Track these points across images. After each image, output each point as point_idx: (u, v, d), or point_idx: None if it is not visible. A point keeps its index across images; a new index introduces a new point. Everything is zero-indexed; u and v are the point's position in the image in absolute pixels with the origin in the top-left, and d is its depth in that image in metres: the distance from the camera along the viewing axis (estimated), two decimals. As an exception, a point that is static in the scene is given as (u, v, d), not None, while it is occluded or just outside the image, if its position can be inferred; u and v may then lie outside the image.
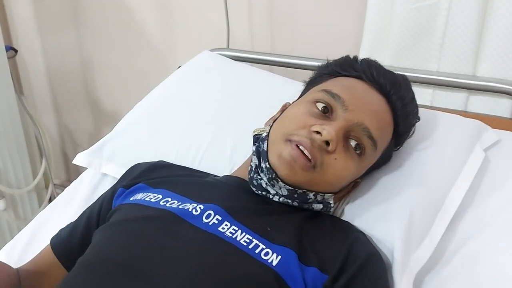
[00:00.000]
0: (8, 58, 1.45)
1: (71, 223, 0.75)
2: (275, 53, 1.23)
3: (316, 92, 0.69)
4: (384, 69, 0.70)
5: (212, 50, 1.19)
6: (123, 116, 1.00)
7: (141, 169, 0.77)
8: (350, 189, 0.71)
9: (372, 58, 1.00)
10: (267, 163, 0.63)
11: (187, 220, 0.61)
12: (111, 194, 0.74)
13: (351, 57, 0.73)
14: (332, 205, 0.68)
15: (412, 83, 0.98)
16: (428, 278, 0.66)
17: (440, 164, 0.73)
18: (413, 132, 0.73)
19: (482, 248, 0.67)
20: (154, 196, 0.66)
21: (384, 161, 0.72)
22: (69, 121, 1.80)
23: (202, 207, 0.62)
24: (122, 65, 1.61)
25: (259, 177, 0.65)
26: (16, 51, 1.50)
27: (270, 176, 0.63)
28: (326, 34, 1.19)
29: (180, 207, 0.63)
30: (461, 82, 0.95)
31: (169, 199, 0.65)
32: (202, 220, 0.60)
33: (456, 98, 0.98)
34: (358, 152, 0.64)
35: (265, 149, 0.64)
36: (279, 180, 0.62)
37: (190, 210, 0.62)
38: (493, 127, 0.86)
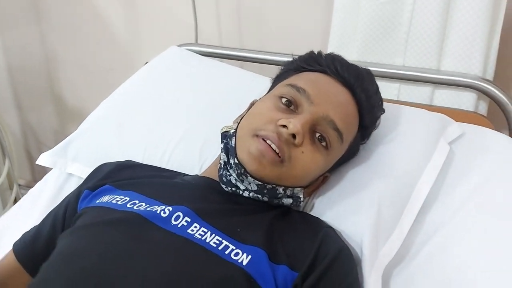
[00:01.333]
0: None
1: (35, 226, 0.72)
2: (244, 48, 1.23)
3: (282, 87, 0.69)
4: (348, 63, 0.71)
5: (180, 45, 1.17)
6: (89, 113, 0.97)
7: (108, 170, 0.75)
8: (320, 183, 0.71)
9: (340, 53, 1.01)
10: (235, 159, 0.63)
11: (156, 222, 0.59)
12: (76, 196, 0.72)
13: (316, 52, 0.73)
14: (301, 199, 0.68)
15: (378, 78, 0.99)
16: (397, 271, 0.67)
17: (406, 157, 0.75)
18: (379, 124, 0.74)
19: (448, 239, 0.69)
20: (121, 199, 0.64)
21: (351, 154, 0.73)
22: (33, 119, 1.74)
23: (170, 209, 0.61)
24: (87, 60, 1.56)
25: (228, 173, 0.65)
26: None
27: (239, 171, 0.62)
28: (295, 29, 1.19)
29: (148, 209, 0.61)
30: (426, 76, 0.97)
31: (137, 201, 0.63)
32: (171, 222, 0.59)
33: (422, 92, 1.00)
34: (324, 144, 0.65)
35: (233, 145, 0.64)
36: (248, 175, 0.62)
37: (158, 212, 0.60)
38: (457, 121, 0.88)
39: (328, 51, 1.05)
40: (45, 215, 0.74)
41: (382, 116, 0.78)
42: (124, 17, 1.45)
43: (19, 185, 1.62)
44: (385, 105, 0.83)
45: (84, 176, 0.78)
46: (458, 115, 0.95)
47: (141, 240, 0.57)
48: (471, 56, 0.93)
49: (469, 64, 0.94)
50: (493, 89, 0.93)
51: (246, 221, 0.62)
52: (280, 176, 0.63)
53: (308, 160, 0.64)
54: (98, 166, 0.77)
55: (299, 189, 0.67)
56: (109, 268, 0.54)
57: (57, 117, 1.70)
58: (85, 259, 0.56)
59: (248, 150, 0.62)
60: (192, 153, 0.82)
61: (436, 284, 0.65)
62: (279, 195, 0.66)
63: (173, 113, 0.89)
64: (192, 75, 0.97)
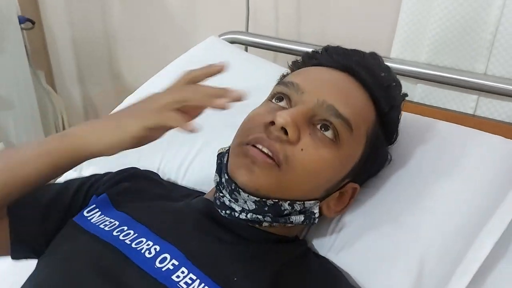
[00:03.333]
0: (25, 29, 1.40)
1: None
2: (301, 41, 1.09)
3: (275, 86, 0.59)
4: (346, 49, 0.60)
5: (229, 32, 1.07)
6: None
7: (118, 176, 0.66)
8: (349, 196, 0.58)
9: (406, 54, 0.87)
10: (226, 175, 0.53)
11: (137, 263, 0.50)
12: (85, 191, 0.64)
13: (312, 50, 0.62)
14: (317, 214, 0.55)
15: (452, 86, 0.84)
16: None
17: (469, 198, 0.59)
18: (398, 122, 0.61)
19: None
20: (110, 223, 0.56)
21: (379, 156, 0.60)
22: (93, 94, 1.78)
23: (158, 248, 0.52)
24: (145, 38, 1.54)
25: (221, 194, 0.55)
26: (33, 22, 1.43)
27: (230, 188, 0.52)
28: (359, 22, 1.03)
29: (134, 244, 0.52)
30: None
31: (125, 228, 0.55)
32: (155, 264, 0.50)
33: (506, 108, 0.81)
34: (330, 137, 0.52)
35: (225, 162, 0.54)
36: (240, 190, 0.51)
37: (143, 251, 0.51)
38: None
39: (393, 49, 0.90)
40: None
41: (441, 139, 0.63)
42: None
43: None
44: (448, 126, 0.67)
45: None
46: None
47: (115, 284, 0.49)
48: None
49: None
50: None
51: (246, 267, 0.51)
52: (279, 184, 0.51)
53: (310, 157, 0.52)
54: (108, 173, 0.69)
55: (312, 202, 0.54)
56: None
57: (115, 93, 1.71)
58: None
59: (236, 160, 0.52)
60: (210, 168, 0.72)
61: None
62: (285, 212, 0.54)
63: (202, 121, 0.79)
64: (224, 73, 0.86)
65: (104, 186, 0.64)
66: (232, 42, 1.05)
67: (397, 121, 0.61)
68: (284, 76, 0.63)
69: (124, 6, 1.50)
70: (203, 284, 0.48)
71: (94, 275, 0.49)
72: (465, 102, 0.84)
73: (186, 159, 0.74)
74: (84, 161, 0.54)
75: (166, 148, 0.76)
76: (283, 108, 0.54)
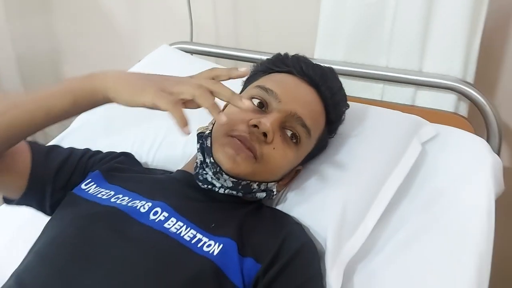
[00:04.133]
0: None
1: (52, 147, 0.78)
2: (240, 48, 1.26)
3: (252, 89, 0.73)
4: (312, 63, 0.75)
5: (175, 43, 1.21)
6: None
7: (113, 156, 0.80)
8: (292, 176, 0.76)
9: (326, 53, 1.06)
10: (211, 158, 0.67)
11: (135, 217, 0.64)
12: (87, 161, 0.77)
13: (282, 54, 0.78)
14: (275, 192, 0.72)
15: (363, 78, 1.04)
16: (361, 266, 0.71)
17: (377, 157, 0.78)
18: (343, 119, 0.79)
19: (411, 237, 0.73)
20: (106, 193, 0.69)
21: (321, 148, 0.77)
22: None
23: (150, 204, 0.66)
24: (91, 53, 1.62)
25: (204, 172, 0.69)
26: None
27: (215, 170, 0.67)
28: (286, 29, 1.22)
29: (129, 204, 0.66)
30: (408, 77, 0.99)
31: (120, 196, 0.68)
32: (149, 217, 0.64)
33: (405, 93, 1.03)
34: (294, 140, 0.69)
35: (209, 145, 0.68)
36: (223, 173, 0.66)
37: (138, 208, 0.65)
38: (437, 121, 0.91)
39: (316, 51, 1.09)
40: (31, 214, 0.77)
41: (356, 116, 0.82)
42: (126, 12, 1.50)
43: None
44: (362, 108, 0.87)
45: None
46: (438, 115, 0.98)
47: (120, 233, 0.62)
48: (452, 59, 0.96)
49: (450, 66, 0.97)
50: (472, 91, 0.95)
51: (220, 217, 0.67)
52: (254, 173, 0.67)
53: (279, 155, 0.68)
54: (109, 152, 0.81)
55: (272, 183, 0.72)
56: (89, 259, 0.59)
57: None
58: (70, 248, 0.61)
59: (223, 149, 0.66)
60: (175, 150, 0.86)
61: (398, 279, 0.68)
62: (253, 190, 0.70)
63: (158, 112, 0.93)
64: (179, 74, 1.01)
65: (97, 164, 0.76)
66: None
67: (339, 125, 0.79)
68: (253, 75, 0.77)
69: (68, 20, 1.57)
70: (189, 228, 0.63)
71: (101, 228, 0.62)
72: (374, 90, 1.05)
73: (154, 143, 0.88)
74: (101, 104, 0.63)
75: (135, 136, 0.89)
76: (262, 111, 0.69)
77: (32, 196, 0.72)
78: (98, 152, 0.80)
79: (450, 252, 0.70)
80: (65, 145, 0.92)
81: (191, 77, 0.63)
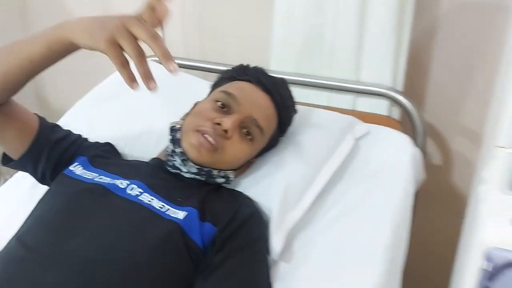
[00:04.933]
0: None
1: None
2: (206, 60, 1.42)
3: (217, 93, 0.89)
4: (268, 74, 0.92)
5: (148, 56, 1.36)
6: None
7: (95, 148, 0.94)
8: (246, 166, 0.91)
9: (281, 64, 1.23)
10: (180, 148, 0.82)
11: (114, 192, 0.79)
12: (79, 145, 0.93)
13: (244, 65, 0.93)
14: (232, 178, 0.87)
15: (311, 87, 1.21)
16: (301, 233, 0.86)
17: (317, 148, 0.95)
18: (292, 122, 0.95)
19: (342, 213, 0.89)
20: (91, 174, 0.83)
21: (272, 145, 0.93)
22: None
23: (128, 182, 0.80)
24: (71, 65, 1.73)
25: (173, 159, 0.84)
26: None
27: (183, 158, 0.82)
28: (247, 44, 1.39)
29: (110, 182, 0.80)
30: (348, 86, 1.17)
31: (103, 177, 0.82)
32: (126, 191, 0.79)
33: (347, 99, 1.21)
34: (249, 138, 0.85)
35: (179, 138, 0.83)
36: (189, 161, 0.81)
37: (117, 185, 0.80)
38: (374, 122, 1.09)
39: (271, 64, 1.26)
40: (27, 195, 0.96)
41: (302, 117, 0.99)
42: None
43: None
44: (308, 110, 1.04)
45: None
46: (375, 118, 1.16)
47: (102, 203, 0.76)
48: (383, 70, 1.14)
49: (382, 77, 1.15)
50: (400, 97, 1.13)
51: (185, 193, 0.81)
52: (215, 162, 0.83)
53: (236, 149, 0.84)
54: (96, 142, 0.96)
55: (230, 171, 0.87)
56: (77, 222, 0.74)
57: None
58: (59, 217, 0.75)
59: (190, 141, 0.81)
60: (149, 144, 1.01)
61: (329, 245, 0.84)
62: (214, 176, 0.85)
63: (134, 113, 1.08)
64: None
65: (86, 150, 0.91)
66: (149, 63, 1.35)
67: (288, 126, 0.95)
68: (219, 81, 0.94)
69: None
70: (159, 201, 0.77)
71: (87, 200, 0.77)
72: (321, 97, 1.22)
73: (129, 141, 1.02)
74: (74, 49, 0.73)
75: (113, 134, 1.03)
76: (225, 112, 0.84)
77: (30, 158, 0.86)
78: (87, 140, 0.96)
79: (372, 222, 0.86)
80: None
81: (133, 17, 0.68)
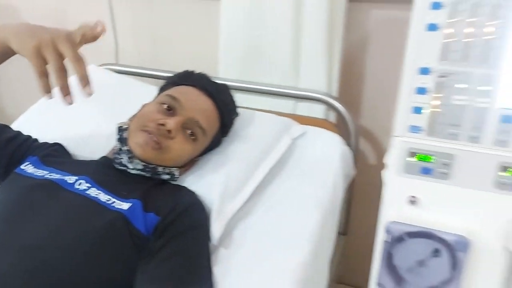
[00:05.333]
0: None
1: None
2: (159, 68, 1.50)
3: (163, 96, 0.97)
4: (211, 80, 1.01)
5: (103, 64, 1.44)
6: None
7: (48, 145, 1.01)
8: (191, 164, 1.00)
9: (227, 71, 1.32)
10: (126, 146, 0.89)
11: (63, 186, 0.85)
12: (29, 146, 0.98)
13: (189, 71, 1.02)
14: (176, 175, 0.95)
15: (254, 93, 1.31)
16: (241, 222, 0.95)
17: (256, 147, 1.04)
18: (233, 124, 1.04)
19: (277, 203, 0.98)
20: (42, 172, 0.89)
21: (215, 145, 1.02)
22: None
23: (76, 178, 0.87)
24: (27, 75, 1.78)
25: (120, 157, 0.91)
26: None
27: (129, 156, 0.89)
28: (197, 53, 1.49)
29: (60, 178, 0.87)
30: (288, 92, 1.28)
31: (53, 174, 0.88)
32: (74, 186, 0.85)
33: (288, 104, 1.31)
34: (192, 138, 0.93)
35: (126, 137, 0.91)
36: (136, 158, 0.89)
37: (66, 180, 0.86)
38: (312, 125, 1.20)
39: (219, 71, 1.36)
40: None
41: (244, 119, 1.08)
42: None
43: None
44: (249, 112, 1.13)
45: None
46: (313, 121, 1.26)
47: (52, 197, 0.83)
48: (319, 78, 1.25)
49: (319, 83, 1.26)
50: (334, 102, 1.25)
51: (130, 188, 0.88)
52: (159, 159, 0.90)
53: (180, 148, 0.92)
54: (44, 142, 1.02)
55: (175, 168, 0.95)
56: (27, 217, 0.79)
57: None
58: (9, 209, 0.81)
59: (136, 140, 0.89)
60: (99, 146, 1.07)
61: (264, 231, 0.92)
62: (159, 172, 0.93)
63: (85, 117, 1.15)
64: (104, 88, 1.23)
65: (36, 150, 0.97)
66: (105, 71, 1.42)
67: (230, 129, 1.04)
68: (166, 85, 1.01)
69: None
70: (106, 194, 0.84)
71: (37, 193, 0.83)
72: (264, 103, 1.32)
73: (81, 141, 1.09)
74: (13, 53, 0.77)
75: (66, 136, 1.09)
76: (169, 114, 0.91)
77: None
78: (37, 140, 1.01)
79: (302, 209, 0.96)
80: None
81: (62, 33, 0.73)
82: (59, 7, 1.65)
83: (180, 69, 1.40)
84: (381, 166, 1.46)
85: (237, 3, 1.24)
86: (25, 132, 1.13)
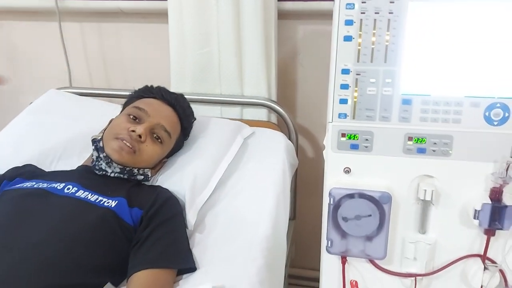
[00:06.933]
0: None
1: None
2: (111, 88, 1.63)
3: (129, 108, 1.12)
4: (169, 91, 1.18)
5: (59, 88, 1.54)
6: None
7: (17, 168, 1.11)
8: (160, 165, 1.15)
9: (178, 85, 1.48)
10: (103, 153, 1.03)
11: (54, 192, 0.97)
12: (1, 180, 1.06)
13: (149, 85, 1.19)
14: (149, 176, 1.11)
15: (205, 103, 1.48)
16: (211, 210, 1.12)
17: (215, 147, 1.22)
18: (192, 127, 1.21)
19: (238, 192, 1.16)
20: (30, 183, 1.01)
21: (179, 146, 1.19)
22: None
23: (64, 184, 0.99)
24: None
25: (99, 163, 1.05)
26: None
27: (107, 161, 1.03)
28: (148, 70, 1.64)
29: (49, 186, 0.99)
30: (235, 100, 1.47)
31: (40, 183, 1.00)
32: (64, 191, 0.98)
33: (236, 111, 1.50)
34: (159, 141, 1.09)
35: (102, 146, 1.05)
36: (113, 162, 1.03)
37: (55, 186, 0.98)
38: (258, 126, 1.39)
39: (171, 86, 1.52)
40: None
41: (202, 125, 1.25)
42: (4, 67, 1.77)
43: None
44: (206, 119, 1.31)
45: None
46: (258, 123, 1.46)
47: (44, 201, 0.95)
48: (260, 86, 1.45)
49: (260, 91, 1.47)
50: (275, 105, 1.46)
51: (114, 188, 1.02)
52: (134, 162, 1.05)
53: (150, 150, 1.07)
54: (12, 168, 1.12)
55: (147, 169, 1.10)
56: (26, 221, 0.91)
57: None
58: (8, 216, 0.91)
59: (112, 147, 1.03)
60: (72, 160, 1.19)
61: (230, 215, 1.10)
62: (134, 174, 1.08)
63: (55, 137, 1.27)
64: (67, 109, 1.36)
65: (12, 175, 1.07)
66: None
67: (190, 131, 1.21)
68: (129, 100, 1.16)
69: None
70: (92, 194, 0.97)
71: (30, 200, 0.94)
72: (215, 111, 1.50)
73: (55, 157, 1.20)
74: None
75: (38, 156, 1.20)
76: (137, 122, 1.07)
77: None
78: (4, 174, 1.10)
79: (260, 193, 1.15)
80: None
81: None
82: (7, 36, 1.73)
83: (133, 86, 1.56)
84: (318, 158, 1.70)
85: (183, 26, 1.41)
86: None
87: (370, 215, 0.89)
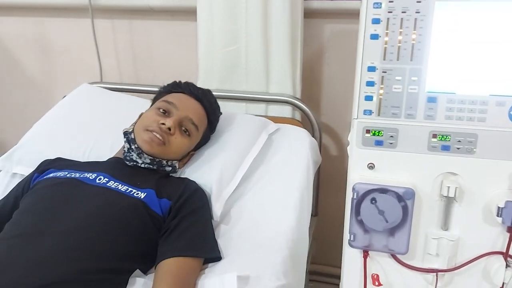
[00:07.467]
0: None
1: (0, 200, 1.10)
2: (139, 83, 1.68)
3: (159, 102, 1.17)
4: (197, 86, 1.22)
5: (91, 82, 1.60)
6: (8, 144, 1.33)
7: (49, 161, 1.15)
8: (188, 158, 1.19)
9: (205, 83, 1.52)
10: (135, 145, 1.08)
11: (86, 182, 1.02)
12: (29, 178, 1.11)
13: (178, 81, 1.23)
14: (177, 167, 1.15)
15: (231, 100, 1.52)
16: (237, 201, 1.15)
17: (241, 141, 1.26)
18: (218, 121, 1.25)
19: (264, 186, 1.19)
20: (63, 173, 1.06)
21: (205, 140, 1.23)
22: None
23: (95, 174, 1.04)
24: (5, 99, 1.90)
25: (130, 154, 1.09)
26: None
27: (138, 152, 1.08)
28: (177, 67, 1.68)
29: (81, 175, 1.04)
30: (261, 97, 1.50)
31: (73, 173, 1.05)
32: (96, 181, 1.02)
33: (261, 107, 1.53)
34: (187, 133, 1.13)
35: (133, 137, 1.09)
36: (144, 153, 1.07)
37: (87, 176, 1.03)
38: (282, 123, 1.42)
39: (199, 81, 1.56)
40: None
41: (228, 120, 1.29)
42: (38, 62, 1.84)
43: None
44: (232, 115, 1.34)
45: (26, 174, 1.17)
46: (282, 120, 1.49)
47: (78, 191, 1.00)
48: (286, 83, 1.48)
49: (285, 88, 1.49)
50: (299, 103, 1.48)
51: (143, 179, 1.07)
52: (163, 153, 1.10)
53: (179, 142, 1.11)
54: (43, 161, 1.17)
55: (175, 161, 1.14)
56: (58, 208, 0.96)
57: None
58: (42, 205, 0.97)
59: (143, 138, 1.08)
60: (104, 152, 1.24)
61: (256, 208, 1.13)
62: (163, 165, 1.12)
63: (89, 128, 1.32)
64: (99, 103, 1.41)
65: (45, 167, 1.12)
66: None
67: (216, 125, 1.24)
68: (158, 95, 1.20)
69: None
70: (122, 185, 1.02)
71: (65, 189, 0.99)
72: (241, 108, 1.53)
73: (87, 149, 1.26)
74: None
75: (71, 146, 1.25)
76: (166, 116, 1.11)
77: None
78: (32, 173, 1.14)
79: (285, 187, 1.18)
80: (17, 155, 1.26)
81: None
82: (42, 32, 1.80)
83: (161, 82, 1.61)
84: (342, 156, 1.72)
85: (212, 24, 1.45)
86: (32, 150, 1.28)
87: (393, 210, 0.91)
